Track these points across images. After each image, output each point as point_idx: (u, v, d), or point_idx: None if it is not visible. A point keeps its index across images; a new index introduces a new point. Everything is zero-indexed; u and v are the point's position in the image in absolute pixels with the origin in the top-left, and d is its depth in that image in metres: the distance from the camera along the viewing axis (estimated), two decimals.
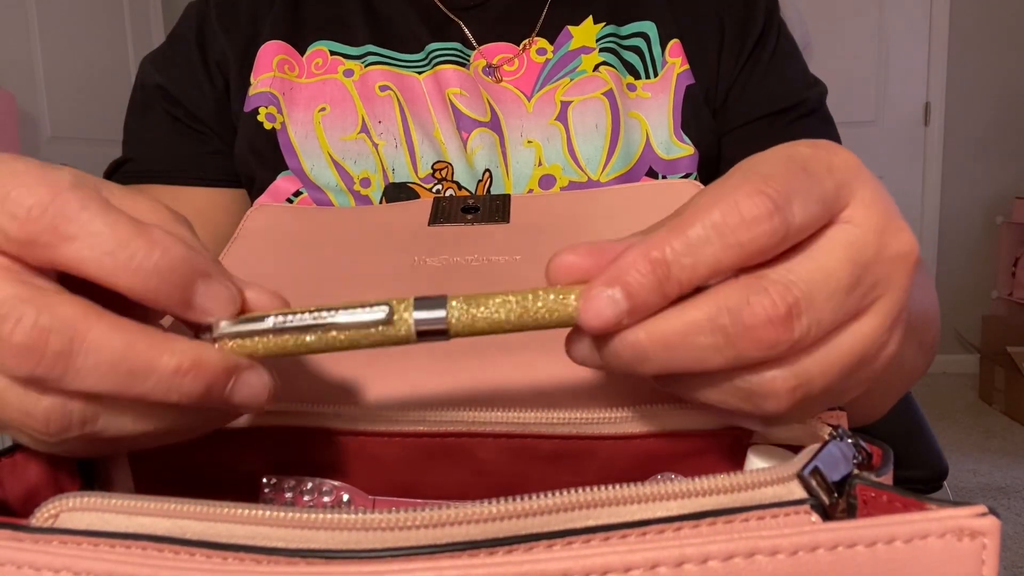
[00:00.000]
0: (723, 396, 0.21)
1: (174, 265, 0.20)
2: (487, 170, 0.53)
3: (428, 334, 0.21)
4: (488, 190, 0.53)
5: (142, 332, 0.19)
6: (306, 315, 0.21)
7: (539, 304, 0.21)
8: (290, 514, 0.19)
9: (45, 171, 0.20)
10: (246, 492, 0.28)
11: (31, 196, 0.19)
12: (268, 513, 0.19)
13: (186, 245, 0.20)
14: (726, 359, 0.19)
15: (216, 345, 0.21)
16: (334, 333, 0.21)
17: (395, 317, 0.21)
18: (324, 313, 0.21)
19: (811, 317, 0.19)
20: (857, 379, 0.22)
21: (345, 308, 0.21)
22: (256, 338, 0.21)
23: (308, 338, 0.21)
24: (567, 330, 0.23)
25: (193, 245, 0.22)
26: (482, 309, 0.21)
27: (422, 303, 0.21)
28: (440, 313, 0.21)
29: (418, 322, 0.21)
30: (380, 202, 0.53)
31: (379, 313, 0.21)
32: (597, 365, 0.22)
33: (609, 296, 0.19)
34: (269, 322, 0.21)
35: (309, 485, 0.28)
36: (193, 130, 0.57)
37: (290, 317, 0.21)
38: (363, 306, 0.21)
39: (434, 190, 0.52)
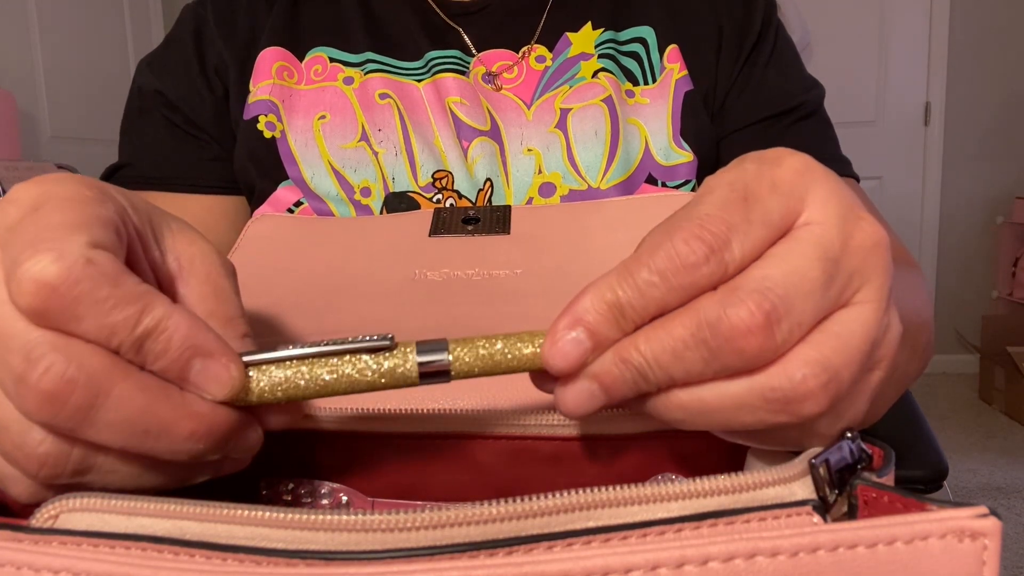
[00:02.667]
0: (760, 416, 0.21)
1: (170, 347, 0.20)
2: (488, 179, 0.53)
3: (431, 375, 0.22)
4: (489, 199, 0.53)
5: (164, 393, 0.20)
6: (309, 348, 0.22)
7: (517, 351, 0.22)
8: (290, 515, 0.19)
9: (71, 233, 0.20)
10: (244, 495, 0.28)
11: (41, 274, 0.19)
12: (267, 514, 0.19)
13: (190, 323, 0.20)
14: (714, 370, 0.20)
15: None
16: (335, 363, 0.22)
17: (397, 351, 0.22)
18: (328, 345, 0.22)
19: (791, 321, 0.20)
20: (874, 363, 0.22)
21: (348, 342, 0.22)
22: (267, 377, 0.22)
23: (314, 372, 0.22)
24: None
25: (217, 309, 0.23)
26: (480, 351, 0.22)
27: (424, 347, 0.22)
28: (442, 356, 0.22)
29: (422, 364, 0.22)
30: (380, 211, 0.53)
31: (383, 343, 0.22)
32: (598, 404, 0.22)
33: (573, 337, 0.21)
34: (279, 352, 0.22)
35: (307, 488, 0.28)
36: (191, 136, 0.56)
37: (294, 349, 0.22)
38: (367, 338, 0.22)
39: (434, 199, 0.52)
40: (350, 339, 0.22)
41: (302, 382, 0.22)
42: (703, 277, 0.20)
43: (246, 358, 0.22)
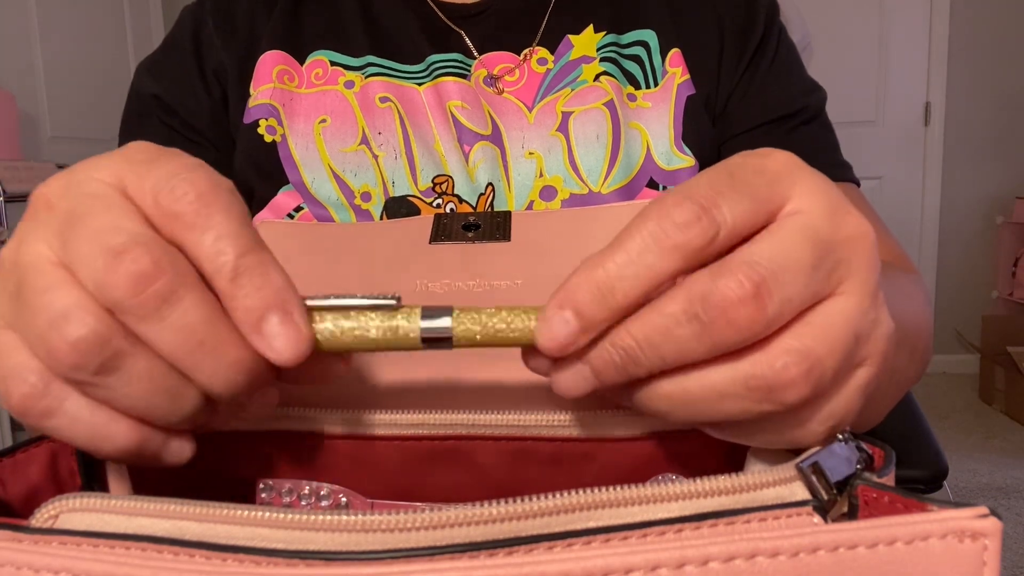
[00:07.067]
0: (744, 404, 0.21)
1: (265, 289, 0.21)
2: (489, 183, 0.53)
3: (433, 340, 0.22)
4: (490, 203, 0.53)
5: (227, 318, 0.21)
6: (320, 299, 0.22)
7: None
8: (289, 515, 0.19)
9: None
10: (243, 497, 0.28)
11: (195, 178, 0.21)
12: (267, 514, 0.19)
13: (287, 280, 0.22)
14: (706, 348, 0.20)
15: None
16: (340, 317, 0.22)
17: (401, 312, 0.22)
18: (334, 299, 0.22)
19: (781, 294, 0.20)
20: (862, 357, 0.22)
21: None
22: None
23: (318, 325, 0.22)
24: None
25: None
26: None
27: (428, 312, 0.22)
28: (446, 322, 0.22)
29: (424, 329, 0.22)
30: (381, 216, 0.52)
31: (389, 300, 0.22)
32: (589, 387, 0.22)
33: (561, 318, 0.21)
34: None
35: (306, 489, 0.28)
36: (189, 140, 0.56)
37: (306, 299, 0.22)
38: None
39: (434, 204, 0.52)
40: (358, 295, 0.22)
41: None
42: (697, 235, 0.20)
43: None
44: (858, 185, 0.58)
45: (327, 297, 0.22)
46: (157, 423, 0.22)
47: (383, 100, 0.54)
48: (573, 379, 0.22)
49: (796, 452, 0.23)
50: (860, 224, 0.22)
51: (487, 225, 0.42)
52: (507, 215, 0.43)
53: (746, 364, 0.20)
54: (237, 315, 0.21)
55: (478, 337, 0.22)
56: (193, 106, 0.56)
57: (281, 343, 0.21)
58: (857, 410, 0.23)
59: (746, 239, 0.21)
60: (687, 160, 0.54)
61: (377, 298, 0.22)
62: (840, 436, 0.22)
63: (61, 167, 0.24)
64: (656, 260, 0.20)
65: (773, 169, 0.22)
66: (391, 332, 0.22)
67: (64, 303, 0.20)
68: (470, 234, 0.41)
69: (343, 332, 0.22)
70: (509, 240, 0.41)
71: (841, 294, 0.21)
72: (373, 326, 0.22)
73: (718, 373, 0.21)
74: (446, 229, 0.42)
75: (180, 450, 0.23)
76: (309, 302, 0.22)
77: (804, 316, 0.21)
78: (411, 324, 0.22)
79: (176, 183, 0.21)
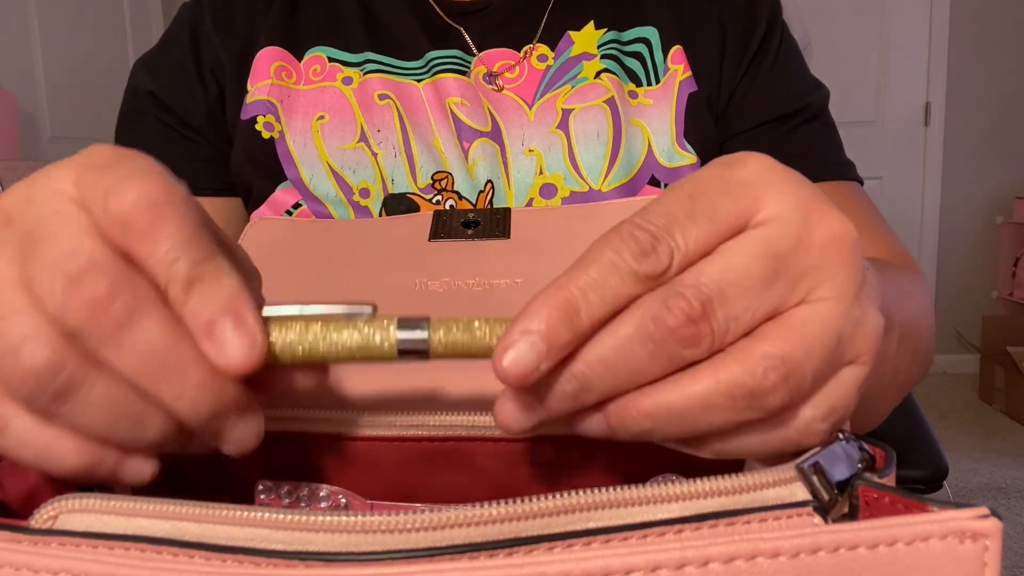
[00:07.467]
0: (727, 415, 0.21)
1: (217, 295, 0.20)
2: (489, 181, 0.52)
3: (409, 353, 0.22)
4: (490, 201, 0.52)
5: (190, 337, 0.20)
6: (292, 307, 0.22)
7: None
8: (289, 516, 0.19)
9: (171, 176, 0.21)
10: (242, 497, 0.28)
11: (141, 187, 0.20)
12: (267, 515, 0.19)
13: (243, 287, 0.21)
14: (660, 366, 0.21)
15: None
16: (317, 329, 0.21)
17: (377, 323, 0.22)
18: (308, 307, 0.22)
19: (726, 312, 0.20)
20: (850, 357, 0.22)
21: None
22: None
23: (291, 335, 0.21)
24: None
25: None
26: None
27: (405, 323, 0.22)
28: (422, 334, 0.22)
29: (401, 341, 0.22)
30: (379, 213, 0.52)
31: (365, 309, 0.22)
32: (542, 421, 0.22)
33: (527, 342, 0.20)
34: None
35: (305, 491, 0.28)
36: (185, 138, 0.56)
37: (275, 308, 0.22)
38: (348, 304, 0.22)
39: (434, 200, 0.52)
40: (335, 302, 0.22)
41: (280, 344, 0.21)
42: (649, 267, 0.20)
43: None
44: (861, 183, 0.58)
45: (302, 304, 0.22)
46: (125, 447, 0.21)
47: (382, 97, 0.54)
48: (520, 410, 0.22)
49: (797, 452, 0.23)
50: (838, 224, 0.22)
51: (487, 222, 0.42)
52: (507, 212, 0.43)
53: (726, 373, 0.20)
54: (190, 322, 0.20)
55: (457, 349, 0.22)
56: (190, 103, 0.55)
57: (232, 349, 0.20)
58: (853, 408, 0.23)
59: (706, 255, 0.21)
60: (689, 157, 0.54)
61: (352, 306, 0.22)
62: (841, 436, 0.22)
63: None
64: (617, 285, 0.21)
65: (742, 180, 0.22)
66: (365, 343, 0.21)
67: (21, 331, 0.19)
68: (470, 231, 0.41)
69: (315, 342, 0.21)
70: (509, 237, 0.40)
71: (818, 299, 0.21)
72: (346, 337, 0.21)
73: (700, 384, 0.21)
74: (445, 226, 0.42)
75: (138, 471, 0.22)
76: (282, 310, 0.22)
77: (780, 319, 0.21)
78: (387, 335, 0.21)
79: (127, 191, 0.20)
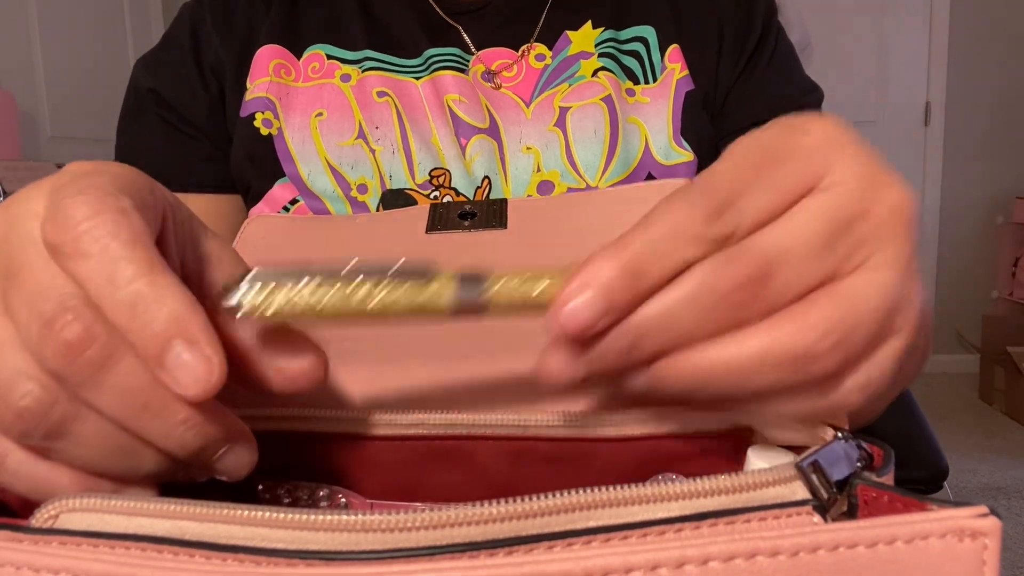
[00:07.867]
0: (775, 375, 0.21)
1: (155, 317, 0.19)
2: (486, 177, 0.53)
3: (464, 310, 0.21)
4: (487, 197, 0.53)
5: None
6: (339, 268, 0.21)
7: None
8: (289, 515, 0.19)
9: (114, 190, 0.20)
10: (243, 497, 0.28)
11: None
12: (267, 514, 0.19)
13: (186, 302, 0.19)
14: (716, 325, 0.20)
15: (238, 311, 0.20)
16: (368, 288, 0.21)
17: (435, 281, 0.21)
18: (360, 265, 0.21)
19: (786, 276, 0.20)
20: (896, 328, 0.22)
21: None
22: (281, 293, 0.20)
23: (336, 292, 0.21)
24: None
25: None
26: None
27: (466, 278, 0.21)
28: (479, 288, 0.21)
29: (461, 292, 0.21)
30: (377, 209, 0.52)
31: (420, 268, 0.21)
32: (590, 373, 0.22)
33: (587, 297, 0.20)
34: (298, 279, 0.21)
35: (305, 490, 0.28)
36: (186, 135, 0.56)
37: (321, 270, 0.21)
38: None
39: (431, 196, 0.52)
40: (386, 264, 0.21)
41: (316, 303, 0.20)
42: (716, 232, 0.20)
43: (264, 269, 0.20)
44: None
45: (353, 265, 0.21)
46: (121, 479, 0.21)
47: (380, 95, 0.54)
48: (569, 362, 0.21)
49: (798, 451, 0.23)
50: (900, 194, 0.22)
51: (483, 213, 0.42)
52: (503, 202, 0.43)
53: (781, 334, 0.20)
54: (139, 350, 0.19)
55: (515, 300, 0.21)
56: (190, 101, 0.56)
57: (185, 375, 0.19)
58: (891, 380, 0.23)
59: (770, 219, 0.21)
60: (686, 155, 0.54)
61: (408, 266, 0.21)
62: (840, 435, 0.22)
63: (60, 167, 0.23)
64: (682, 247, 0.20)
65: (808, 145, 0.22)
66: (422, 301, 0.21)
67: (9, 370, 0.19)
68: (466, 223, 0.41)
69: (371, 301, 0.21)
70: (506, 228, 0.40)
71: (872, 268, 0.21)
72: (403, 298, 0.21)
73: (754, 344, 0.20)
74: (442, 219, 0.42)
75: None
76: (324, 274, 0.21)
77: (835, 287, 0.21)
78: (447, 292, 0.21)
79: (59, 212, 0.19)
